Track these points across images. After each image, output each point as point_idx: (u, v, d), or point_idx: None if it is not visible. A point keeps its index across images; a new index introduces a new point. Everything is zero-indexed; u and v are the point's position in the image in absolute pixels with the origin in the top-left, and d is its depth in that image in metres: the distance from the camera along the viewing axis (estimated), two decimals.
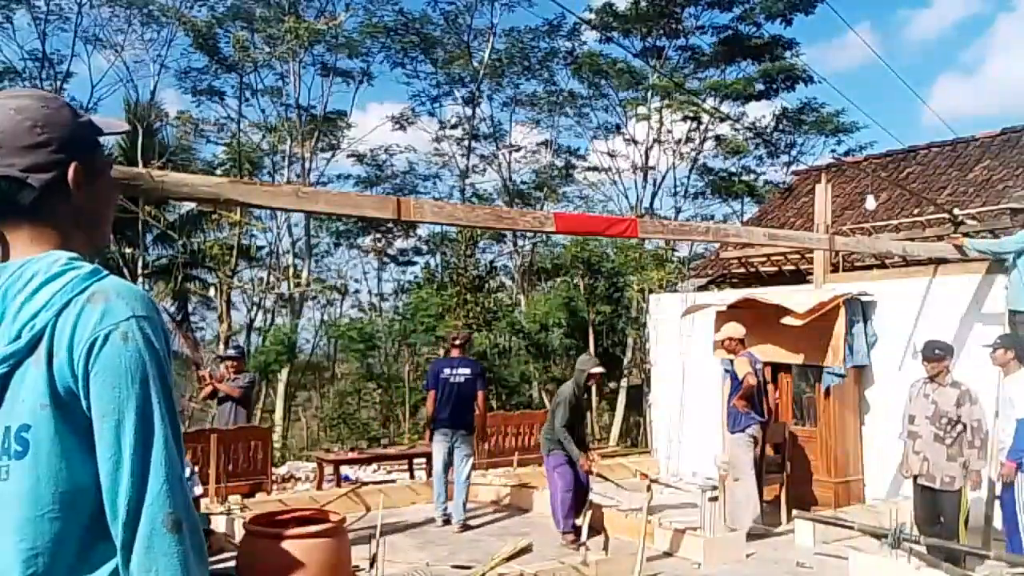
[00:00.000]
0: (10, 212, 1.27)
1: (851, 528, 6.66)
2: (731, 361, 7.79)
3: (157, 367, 1.21)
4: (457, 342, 8.22)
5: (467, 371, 7.95)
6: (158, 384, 1.21)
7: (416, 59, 22.80)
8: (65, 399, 1.18)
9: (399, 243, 24.94)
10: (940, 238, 9.13)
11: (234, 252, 19.97)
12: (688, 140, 22.13)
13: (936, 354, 6.32)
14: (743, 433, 7.51)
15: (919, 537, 6.06)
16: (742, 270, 11.59)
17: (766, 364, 8.77)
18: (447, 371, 7.91)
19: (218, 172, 21.18)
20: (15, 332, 1.19)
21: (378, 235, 24.14)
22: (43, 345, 1.18)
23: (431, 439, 8.02)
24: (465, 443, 7.93)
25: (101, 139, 1.40)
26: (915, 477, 6.38)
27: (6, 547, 1.18)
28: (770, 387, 8.38)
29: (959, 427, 6.18)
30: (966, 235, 8.13)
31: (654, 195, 22.75)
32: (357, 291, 26.55)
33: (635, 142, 22.37)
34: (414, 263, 25.16)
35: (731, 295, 9.82)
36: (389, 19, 21.64)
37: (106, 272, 1.25)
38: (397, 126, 23.26)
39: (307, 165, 21.69)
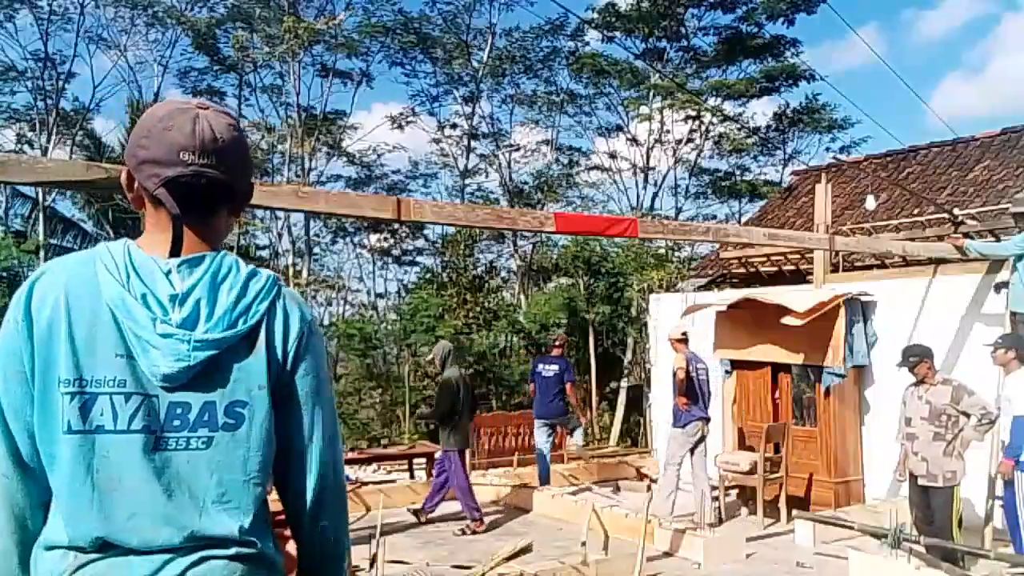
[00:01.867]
0: (199, 208, 1.42)
1: (851, 528, 6.66)
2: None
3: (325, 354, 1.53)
4: (557, 343, 10.03)
5: (555, 367, 9.55)
6: (327, 367, 1.53)
7: (415, 59, 22.80)
8: (276, 382, 1.40)
9: (407, 243, 24.89)
10: (940, 238, 9.13)
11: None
12: (689, 140, 22.13)
13: (912, 360, 6.34)
14: (683, 429, 7.99)
15: (919, 537, 6.06)
16: (742, 270, 11.59)
17: (766, 364, 8.79)
18: (541, 367, 9.68)
19: None
20: (231, 319, 1.36)
21: (386, 235, 24.09)
22: (261, 334, 1.39)
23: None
24: (561, 424, 9.92)
25: None
26: (915, 478, 6.37)
27: (217, 507, 1.34)
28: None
29: (962, 421, 6.16)
30: (967, 236, 8.11)
31: (655, 195, 22.75)
32: (358, 291, 26.54)
33: (636, 142, 22.36)
34: (417, 263, 25.13)
35: (731, 295, 9.81)
36: (388, 19, 21.64)
37: None
38: (396, 126, 23.23)
39: (307, 165, 21.68)
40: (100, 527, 1.30)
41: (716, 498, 8.16)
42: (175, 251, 1.38)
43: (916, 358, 6.33)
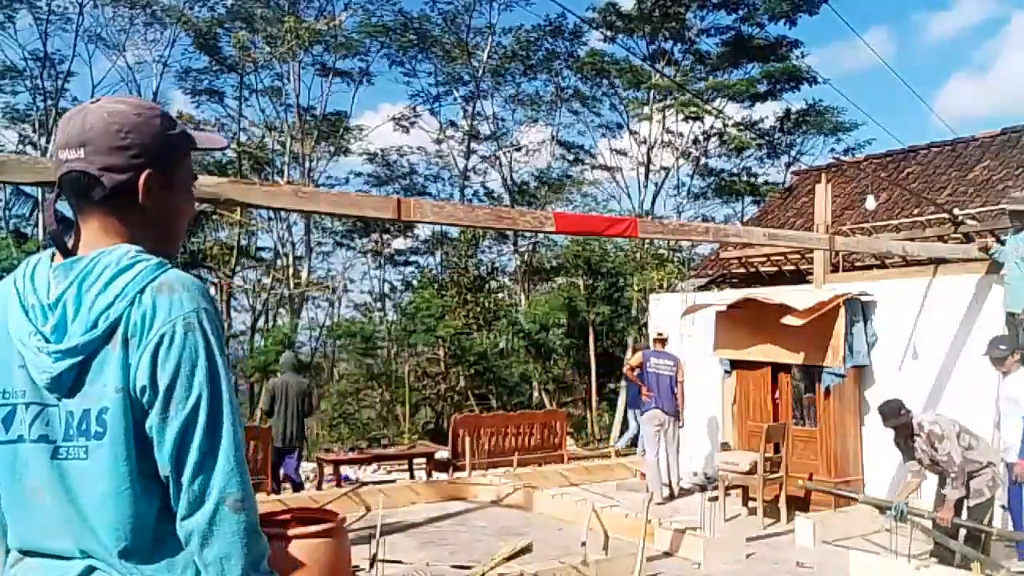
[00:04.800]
0: (85, 205, 1.36)
1: (855, 500, 6.61)
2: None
3: (220, 355, 1.30)
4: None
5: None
6: (222, 371, 1.29)
7: (415, 58, 22.81)
8: (137, 384, 1.26)
9: (397, 243, 24.90)
10: (940, 238, 9.13)
11: (234, 252, 19.96)
12: (693, 141, 22.14)
13: (888, 422, 6.26)
14: (643, 415, 9.32)
15: (924, 511, 6.04)
16: (742, 270, 11.59)
17: (766, 364, 8.79)
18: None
19: (219, 172, 21.19)
20: (91, 321, 1.27)
21: (377, 236, 24.09)
22: (119, 333, 1.26)
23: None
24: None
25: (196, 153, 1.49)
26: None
27: (95, 520, 1.27)
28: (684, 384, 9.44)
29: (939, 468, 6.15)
30: (998, 240, 7.98)
31: (655, 195, 22.76)
32: (358, 291, 26.54)
33: (638, 142, 22.36)
34: (411, 263, 25.13)
35: (731, 295, 9.81)
36: (389, 19, 21.66)
37: (170, 265, 1.34)
38: (399, 127, 23.23)
39: (308, 165, 21.68)
40: (24, 533, 1.32)
41: (715, 498, 8.16)
42: (64, 255, 1.34)
43: (893, 418, 6.25)
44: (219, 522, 1.25)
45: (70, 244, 1.36)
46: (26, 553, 1.33)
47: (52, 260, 1.36)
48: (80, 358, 1.26)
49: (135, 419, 1.26)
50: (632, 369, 9.64)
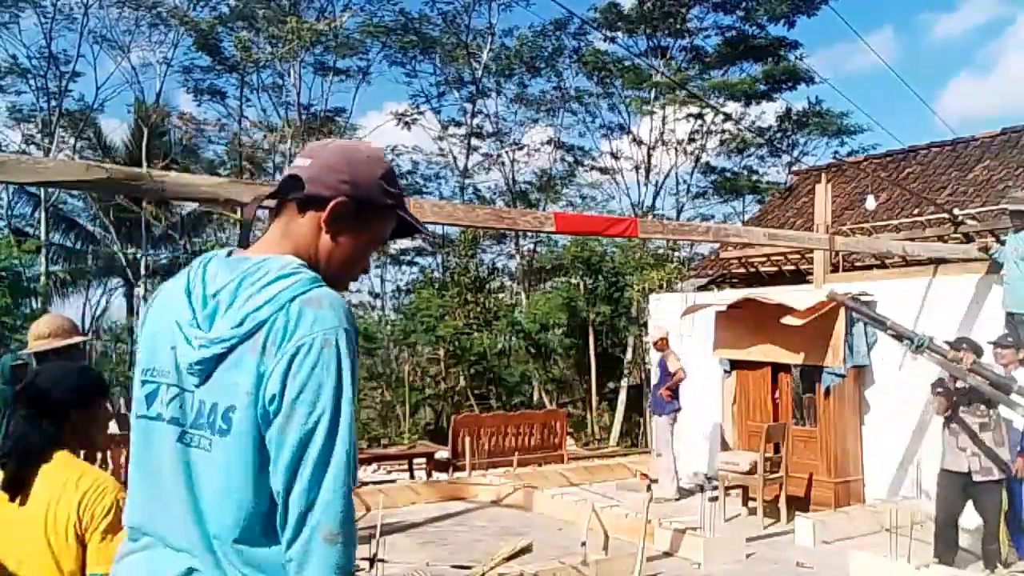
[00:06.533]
0: (283, 206, 1.45)
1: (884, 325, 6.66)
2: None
3: (351, 377, 1.30)
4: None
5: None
6: (348, 394, 1.29)
7: (415, 58, 22.81)
8: (267, 392, 1.27)
9: (401, 243, 24.87)
10: (940, 238, 9.13)
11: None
12: (691, 140, 22.14)
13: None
14: (666, 416, 9.00)
15: (945, 350, 6.05)
16: (742, 270, 11.59)
17: (766, 364, 8.79)
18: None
19: (222, 171, 21.21)
20: (240, 318, 1.31)
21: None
22: (261, 336, 1.29)
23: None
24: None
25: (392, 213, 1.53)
26: (958, 475, 6.09)
27: (208, 511, 1.30)
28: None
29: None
30: (998, 240, 7.98)
31: (656, 194, 22.76)
32: (358, 290, 26.52)
33: (639, 142, 22.36)
34: (415, 263, 25.11)
35: (731, 295, 9.81)
36: (390, 18, 21.67)
37: (324, 282, 1.37)
38: (401, 124, 23.21)
39: None
40: (140, 508, 1.39)
41: (715, 498, 8.17)
42: (243, 247, 1.46)
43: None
44: (312, 552, 1.25)
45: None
46: (136, 532, 1.39)
47: (229, 256, 1.44)
48: (220, 350, 1.30)
49: (259, 424, 1.28)
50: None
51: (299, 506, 1.25)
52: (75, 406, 2.26)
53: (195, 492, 1.31)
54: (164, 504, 1.34)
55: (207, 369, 1.31)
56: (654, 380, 9.29)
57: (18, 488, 2.14)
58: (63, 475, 2.16)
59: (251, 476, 1.28)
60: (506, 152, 23.66)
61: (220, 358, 1.30)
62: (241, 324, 1.30)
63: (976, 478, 5.97)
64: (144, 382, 1.41)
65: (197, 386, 1.33)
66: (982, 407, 6.01)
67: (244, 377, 1.28)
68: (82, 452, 2.32)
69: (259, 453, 1.28)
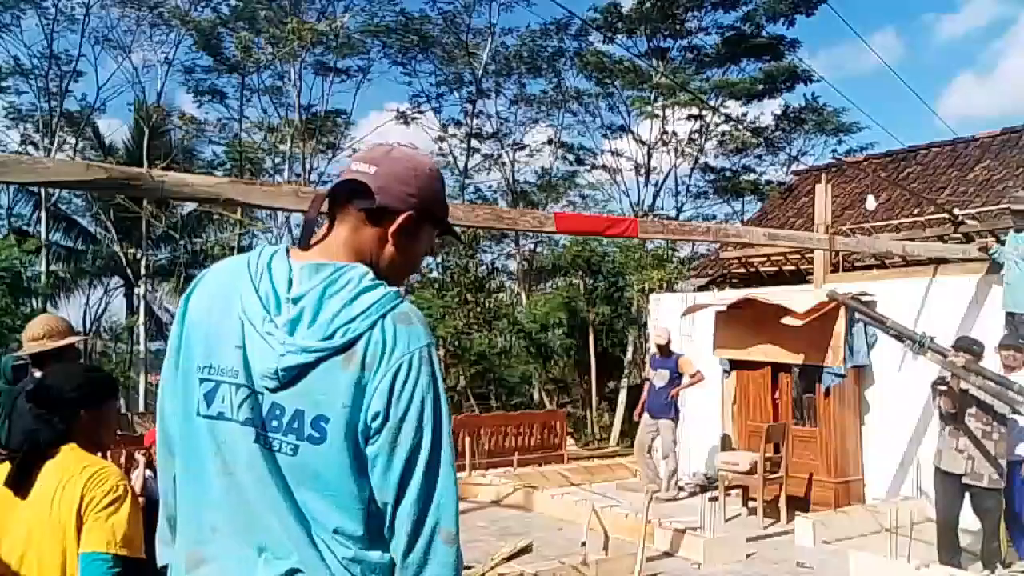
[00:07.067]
0: (347, 212, 1.46)
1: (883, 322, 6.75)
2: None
3: (443, 390, 1.38)
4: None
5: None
6: (445, 406, 1.36)
7: (415, 58, 22.80)
8: (371, 408, 1.31)
9: None
10: (940, 238, 9.13)
11: (235, 253, 19.93)
12: (691, 140, 22.13)
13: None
14: (673, 419, 9.00)
15: (947, 350, 6.04)
16: (742, 270, 11.60)
17: (766, 364, 8.80)
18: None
19: (219, 172, 21.22)
20: (330, 330, 1.31)
21: None
22: (358, 352, 1.31)
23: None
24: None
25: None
26: (954, 476, 6.02)
27: (308, 511, 1.32)
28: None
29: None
30: (998, 240, 7.96)
31: (656, 195, 22.75)
32: None
33: (640, 142, 22.34)
34: None
35: (731, 295, 9.81)
36: (390, 18, 21.67)
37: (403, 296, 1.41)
38: (401, 121, 23.20)
39: (307, 165, 21.69)
40: (195, 516, 1.39)
41: (715, 498, 8.17)
42: (303, 247, 1.44)
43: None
44: (433, 553, 1.32)
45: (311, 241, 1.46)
46: (202, 531, 1.38)
47: (288, 255, 1.43)
48: (308, 360, 1.30)
49: (357, 435, 1.31)
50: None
51: (413, 514, 1.31)
52: (86, 406, 2.31)
53: (291, 493, 1.32)
54: (243, 504, 1.34)
55: (289, 375, 1.31)
56: (658, 384, 9.05)
57: (22, 481, 2.18)
58: (70, 465, 2.20)
59: (350, 480, 1.32)
60: (506, 152, 23.66)
61: (307, 366, 1.31)
62: (331, 337, 1.31)
63: (966, 481, 5.94)
64: (202, 380, 1.38)
65: (273, 390, 1.32)
66: (987, 416, 5.97)
67: (338, 391, 1.30)
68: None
69: (355, 459, 1.32)
